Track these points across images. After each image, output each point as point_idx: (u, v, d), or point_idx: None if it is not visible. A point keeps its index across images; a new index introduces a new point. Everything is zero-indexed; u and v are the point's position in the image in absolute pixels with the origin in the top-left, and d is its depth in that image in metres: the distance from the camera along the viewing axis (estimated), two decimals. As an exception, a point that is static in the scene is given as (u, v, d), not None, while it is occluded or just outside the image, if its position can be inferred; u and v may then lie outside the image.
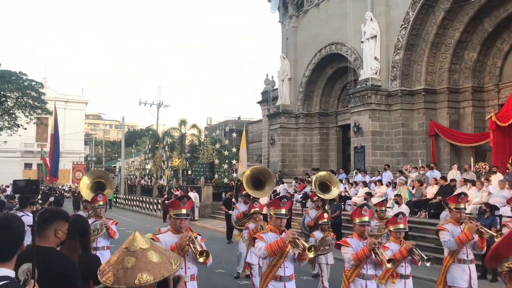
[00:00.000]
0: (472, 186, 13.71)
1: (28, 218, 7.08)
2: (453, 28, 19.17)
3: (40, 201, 16.12)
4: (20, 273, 2.86)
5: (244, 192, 11.33)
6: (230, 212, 15.05)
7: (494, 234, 6.42)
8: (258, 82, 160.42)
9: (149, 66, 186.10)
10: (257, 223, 9.04)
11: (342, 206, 16.50)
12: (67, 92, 61.01)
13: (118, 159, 56.96)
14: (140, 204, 33.15)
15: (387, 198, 15.49)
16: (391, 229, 6.12)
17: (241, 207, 10.90)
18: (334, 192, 11.18)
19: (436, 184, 15.30)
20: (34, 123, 40.99)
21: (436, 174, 16.49)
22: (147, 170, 46.37)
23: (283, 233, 5.27)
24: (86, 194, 9.01)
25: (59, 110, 35.30)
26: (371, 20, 20.76)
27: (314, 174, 21.39)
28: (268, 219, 6.29)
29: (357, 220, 5.76)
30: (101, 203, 7.76)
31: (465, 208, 6.65)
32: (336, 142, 26.86)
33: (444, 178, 15.36)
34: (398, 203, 12.96)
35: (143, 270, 1.72)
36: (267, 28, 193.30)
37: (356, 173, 20.18)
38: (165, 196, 26.09)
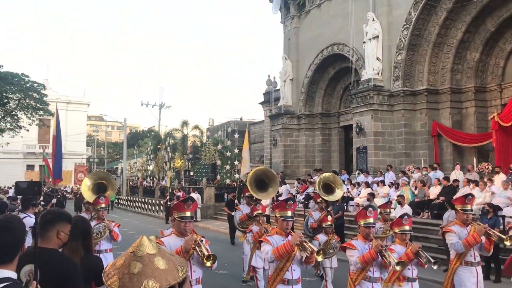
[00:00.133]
0: (475, 186, 13.66)
1: (30, 220, 7.08)
2: (455, 28, 19.13)
3: (42, 203, 16.13)
4: (22, 274, 2.86)
5: (247, 193, 11.27)
6: (232, 213, 15.03)
7: (504, 236, 6.31)
8: (258, 82, 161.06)
9: (149, 66, 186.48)
10: (260, 225, 8.95)
11: (345, 207, 16.46)
12: (69, 94, 61.22)
13: (120, 160, 56.96)
14: (142, 206, 33.14)
15: (389, 198, 15.48)
16: (396, 231, 6.02)
17: (244, 208, 10.84)
18: (338, 194, 11.08)
19: (439, 184, 15.24)
20: (36, 125, 41.01)
21: (439, 174, 16.42)
22: (149, 171, 46.44)
23: (289, 236, 5.21)
24: (88, 196, 8.97)
25: (61, 111, 35.38)
26: (373, 20, 20.73)
27: (316, 174, 21.51)
28: (271, 220, 6.26)
29: (362, 222, 5.68)
30: (103, 205, 7.67)
31: (471, 210, 6.51)
32: (338, 143, 26.82)
33: (447, 178, 15.31)
34: (400, 203, 12.91)
35: (150, 277, 1.69)
36: (267, 28, 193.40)
37: (358, 173, 20.14)
38: (168, 197, 26.11)
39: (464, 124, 19.63)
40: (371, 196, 14.84)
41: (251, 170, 13.91)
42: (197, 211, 23.99)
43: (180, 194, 23.85)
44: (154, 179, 40.55)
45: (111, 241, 7.54)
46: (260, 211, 9.37)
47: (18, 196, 12.07)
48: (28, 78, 36.49)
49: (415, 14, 19.31)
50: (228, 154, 29.75)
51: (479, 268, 6.32)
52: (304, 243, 5.05)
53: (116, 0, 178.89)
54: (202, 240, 4.82)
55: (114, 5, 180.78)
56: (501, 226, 10.96)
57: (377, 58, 20.58)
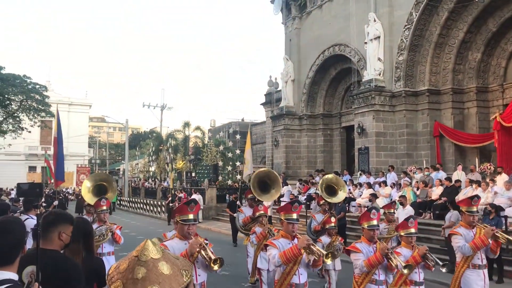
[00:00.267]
0: (477, 187, 13.63)
1: (32, 221, 7.09)
2: (457, 28, 19.11)
3: (44, 204, 16.15)
4: (24, 275, 2.86)
5: (249, 195, 11.23)
6: (234, 214, 15.00)
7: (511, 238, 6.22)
8: (259, 82, 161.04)
9: (150, 66, 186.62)
10: (263, 226, 8.90)
11: (347, 207, 16.43)
12: (71, 95, 61.28)
13: (122, 161, 57.03)
14: (144, 207, 33.15)
15: (391, 199, 15.45)
16: (402, 234, 5.87)
17: (246, 210, 10.80)
18: (341, 196, 10.98)
19: (441, 185, 15.20)
20: (38, 126, 41.06)
21: (441, 175, 16.37)
22: (151, 173, 46.47)
23: (295, 239, 5.14)
24: (89, 198, 8.88)
25: (63, 113, 35.37)
26: (374, 21, 20.72)
27: (318, 175, 21.48)
28: (273, 221, 6.22)
29: (365, 225, 5.60)
30: (104, 207, 7.57)
31: (477, 211, 6.37)
32: (340, 144, 26.80)
33: (449, 179, 15.26)
34: (402, 204, 12.88)
35: (154, 283, 1.68)
36: (267, 28, 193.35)
37: (360, 174, 20.11)
38: (170, 198, 26.12)
39: (466, 124, 19.60)
40: (373, 197, 14.82)
41: (253, 171, 13.88)
42: (199, 212, 24.00)
43: (182, 195, 23.87)
44: (156, 180, 40.58)
45: (113, 243, 7.47)
46: (262, 212, 9.30)
47: (20, 198, 12.09)
48: (30, 80, 36.55)
49: (416, 15, 19.29)
50: (229, 155, 29.76)
51: (486, 271, 6.23)
52: (312, 246, 4.97)
53: (116, 0, 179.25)
54: (207, 243, 4.70)
55: (114, 5, 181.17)
56: (503, 227, 10.94)
57: (379, 59, 20.56)
